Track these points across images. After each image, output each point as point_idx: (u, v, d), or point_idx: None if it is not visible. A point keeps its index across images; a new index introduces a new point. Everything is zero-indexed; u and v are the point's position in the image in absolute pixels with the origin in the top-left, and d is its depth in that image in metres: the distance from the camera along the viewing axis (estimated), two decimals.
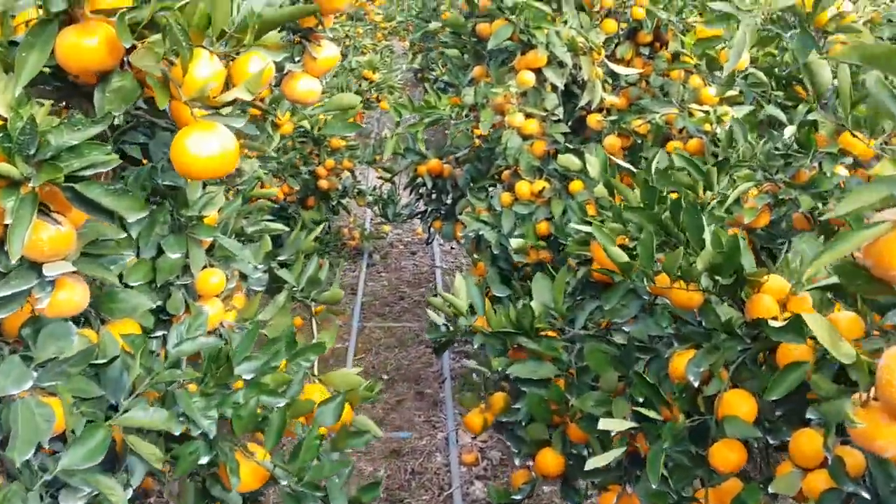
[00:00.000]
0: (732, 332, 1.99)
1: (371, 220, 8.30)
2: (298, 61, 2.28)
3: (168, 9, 1.37)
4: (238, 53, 1.50)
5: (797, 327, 1.77)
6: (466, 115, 4.07)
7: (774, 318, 1.93)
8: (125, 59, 1.40)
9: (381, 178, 5.99)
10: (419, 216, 5.81)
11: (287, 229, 2.91)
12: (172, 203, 2.32)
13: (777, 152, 2.72)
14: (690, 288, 2.05)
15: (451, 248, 7.59)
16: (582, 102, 3.98)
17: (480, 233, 4.14)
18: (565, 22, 3.95)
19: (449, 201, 5.60)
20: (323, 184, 6.57)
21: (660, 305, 2.35)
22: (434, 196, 5.54)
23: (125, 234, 1.67)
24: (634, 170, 2.96)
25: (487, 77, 4.44)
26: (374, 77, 7.45)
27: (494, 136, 4.19)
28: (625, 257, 2.15)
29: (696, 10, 4.59)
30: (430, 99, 3.93)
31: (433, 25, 4.48)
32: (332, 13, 2.30)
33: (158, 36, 1.36)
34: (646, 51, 4.73)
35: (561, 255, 3.86)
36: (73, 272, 1.47)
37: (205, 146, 1.38)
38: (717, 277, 2.01)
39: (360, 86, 7.55)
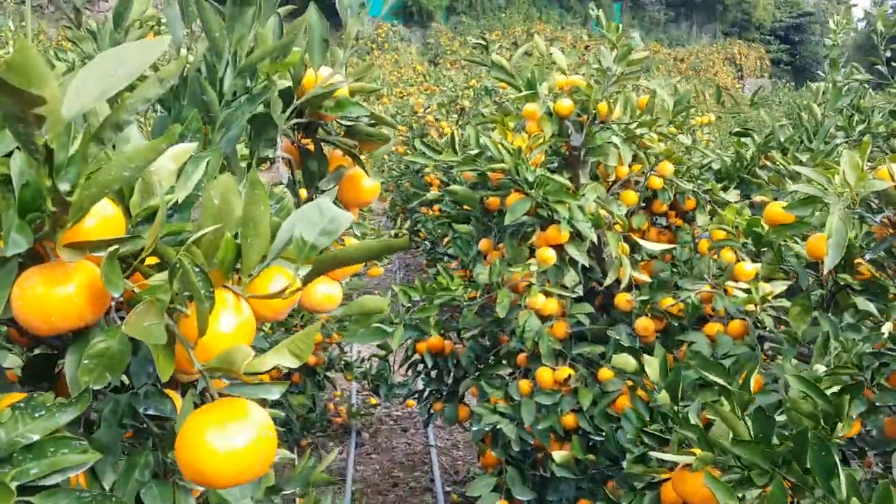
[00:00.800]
0: None
1: (357, 392, 7.78)
2: None
3: (177, 234, 0.96)
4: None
5: None
6: (481, 296, 3.68)
7: None
8: (112, 309, 0.99)
9: (376, 355, 5.55)
10: (416, 396, 5.32)
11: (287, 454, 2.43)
12: (157, 440, 1.86)
13: (867, 350, 2.33)
14: None
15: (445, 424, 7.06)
16: (608, 281, 3.61)
17: (498, 426, 3.67)
18: (584, 195, 3.64)
19: (451, 381, 5.15)
20: (310, 359, 6.10)
21: None
22: (434, 375, 5.09)
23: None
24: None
25: (495, 251, 4.09)
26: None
27: (509, 315, 3.79)
28: None
29: (713, 179, 4.33)
30: (443, 280, 3.56)
31: (432, 194, 4.16)
32: (359, 206, 1.93)
33: (162, 276, 0.95)
34: (662, 220, 4.44)
35: (598, 457, 3.39)
36: None
37: (230, 439, 0.93)
38: None
39: None
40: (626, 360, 2.62)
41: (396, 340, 3.49)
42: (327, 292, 1.88)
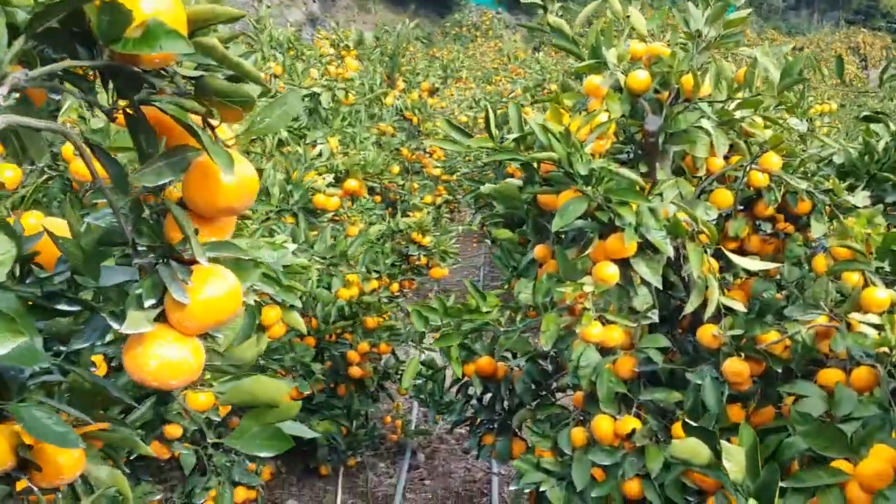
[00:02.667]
0: None
1: (419, 406, 7.07)
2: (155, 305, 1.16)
3: None
4: None
5: None
6: (522, 319, 2.90)
7: None
8: None
9: (429, 368, 4.80)
10: (466, 424, 4.56)
11: None
12: None
13: None
14: None
15: None
16: (689, 308, 2.76)
17: (541, 489, 2.89)
18: (660, 194, 2.79)
19: (504, 410, 4.37)
20: (354, 371, 5.42)
21: None
22: (486, 402, 4.32)
23: None
24: None
25: (552, 261, 3.28)
26: (424, 241, 6.40)
27: (561, 345, 2.99)
28: None
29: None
30: (472, 300, 2.78)
31: (486, 188, 3.39)
32: (221, 213, 1.18)
33: None
34: (767, 226, 3.54)
35: None
36: None
37: None
38: None
39: (407, 250, 6.51)
40: (693, 449, 1.78)
41: (407, 379, 2.74)
42: (168, 357, 1.15)
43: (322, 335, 5.07)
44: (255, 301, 2.93)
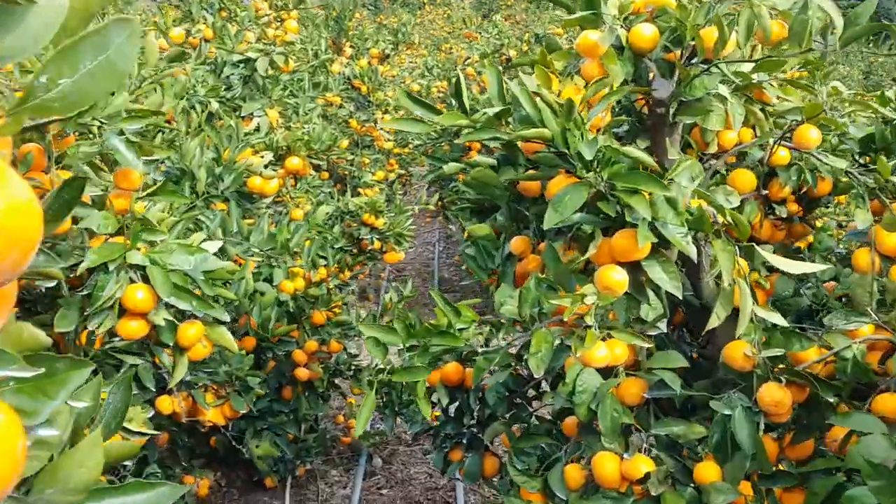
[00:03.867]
0: None
1: (376, 413, 6.49)
2: None
3: None
4: None
5: None
6: (504, 338, 2.33)
7: None
8: None
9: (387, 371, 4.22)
10: (429, 434, 4.01)
11: None
12: None
13: None
14: None
15: None
16: (714, 322, 2.22)
17: None
18: (672, 179, 2.24)
19: (474, 422, 3.83)
20: (301, 374, 4.82)
21: None
22: (453, 413, 3.77)
23: None
24: None
25: (534, 258, 2.72)
26: (377, 223, 5.79)
27: (553, 362, 2.43)
28: None
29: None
30: (442, 317, 2.21)
31: (450, 167, 2.82)
32: None
33: None
34: (781, 211, 3.02)
35: None
36: None
37: None
38: None
39: (359, 233, 5.90)
40: None
41: (361, 423, 2.16)
42: None
43: (263, 337, 4.46)
44: (166, 320, 2.32)
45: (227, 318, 2.48)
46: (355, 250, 6.05)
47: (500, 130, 2.13)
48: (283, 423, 4.97)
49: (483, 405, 3.54)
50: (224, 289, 2.55)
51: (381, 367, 2.31)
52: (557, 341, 2.27)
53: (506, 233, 2.91)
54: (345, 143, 6.86)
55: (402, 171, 9.00)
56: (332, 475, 5.38)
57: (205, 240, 2.49)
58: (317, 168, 6.10)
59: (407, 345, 2.21)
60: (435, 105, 2.22)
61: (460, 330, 2.26)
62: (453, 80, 2.19)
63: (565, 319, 2.06)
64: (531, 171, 2.33)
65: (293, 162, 4.63)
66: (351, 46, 8.22)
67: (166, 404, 3.36)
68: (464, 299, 2.93)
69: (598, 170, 2.11)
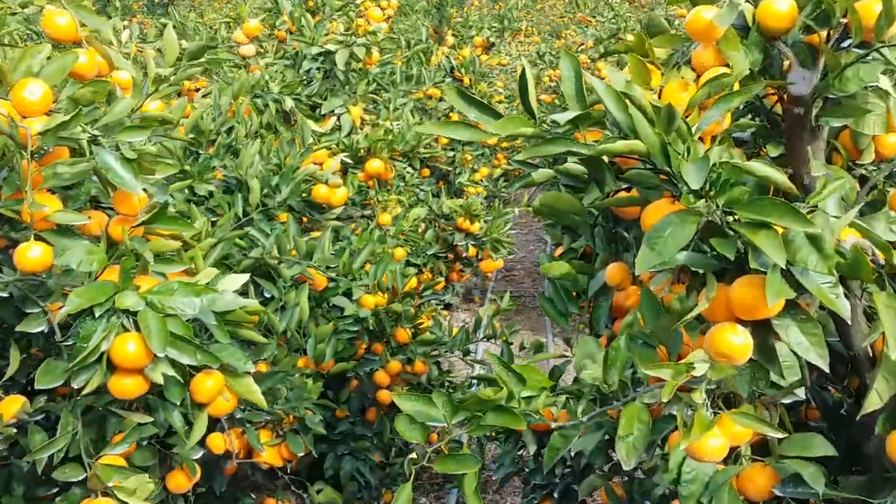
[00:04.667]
0: None
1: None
2: None
3: None
4: None
5: None
6: (585, 410, 1.80)
7: None
8: None
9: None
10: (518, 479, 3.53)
11: None
12: None
13: None
14: None
15: None
16: (876, 402, 1.62)
17: None
18: (817, 205, 1.64)
19: (566, 472, 3.31)
20: (384, 397, 4.40)
21: None
22: (543, 460, 3.27)
23: None
24: None
25: (634, 288, 2.18)
26: (472, 228, 5.30)
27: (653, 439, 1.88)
28: None
29: None
30: (501, 383, 1.70)
31: (540, 174, 2.29)
32: None
33: None
34: None
35: None
36: None
37: None
38: None
39: (452, 238, 5.43)
40: None
41: None
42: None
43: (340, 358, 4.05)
44: (168, 376, 1.90)
45: (251, 368, 2.05)
46: (450, 256, 5.59)
47: (576, 142, 1.60)
48: (367, 449, 4.57)
49: (578, 454, 3.04)
50: (250, 331, 2.12)
51: (415, 457, 1.82)
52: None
53: (598, 256, 2.37)
54: (444, 139, 6.40)
55: (509, 167, 8.47)
56: (422, 503, 4.95)
57: (224, 272, 2.07)
58: (415, 165, 5.66)
59: (452, 423, 1.72)
60: (494, 107, 1.71)
61: (526, 399, 1.74)
62: (522, 71, 1.68)
63: (664, 400, 1.52)
64: (623, 194, 1.78)
65: (374, 165, 4.20)
66: (454, 35, 7.74)
67: (218, 442, 3.00)
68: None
69: (711, 194, 1.55)
